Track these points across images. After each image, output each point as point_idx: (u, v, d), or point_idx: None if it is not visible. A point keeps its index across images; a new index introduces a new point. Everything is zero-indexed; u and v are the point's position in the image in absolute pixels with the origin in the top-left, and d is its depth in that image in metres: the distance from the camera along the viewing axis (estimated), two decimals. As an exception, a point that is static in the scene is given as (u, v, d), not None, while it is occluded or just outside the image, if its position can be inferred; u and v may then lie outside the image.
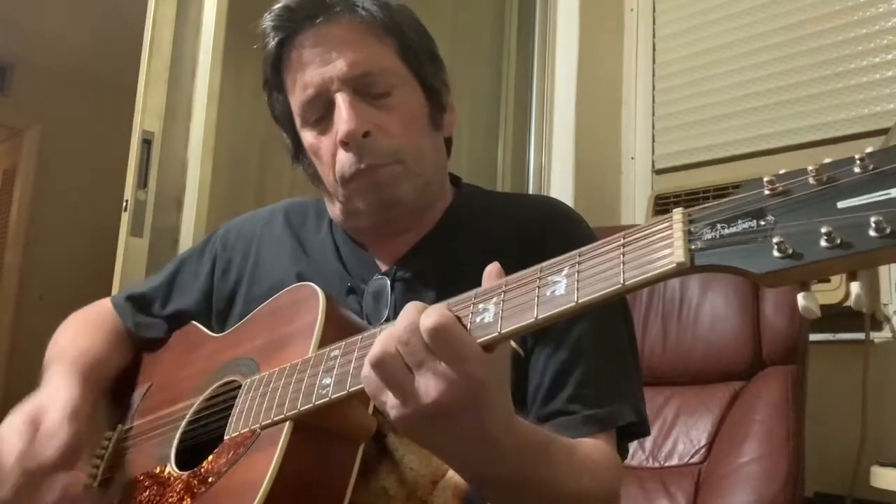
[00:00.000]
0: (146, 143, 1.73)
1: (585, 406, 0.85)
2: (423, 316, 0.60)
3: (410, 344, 0.60)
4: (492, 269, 0.64)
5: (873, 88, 2.00)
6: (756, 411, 1.41)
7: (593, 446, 0.82)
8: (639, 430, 0.89)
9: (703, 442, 1.46)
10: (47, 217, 4.36)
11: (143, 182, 1.72)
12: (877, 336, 1.85)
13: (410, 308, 0.62)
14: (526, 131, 2.45)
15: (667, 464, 1.48)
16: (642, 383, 0.93)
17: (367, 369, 0.63)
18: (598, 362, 0.88)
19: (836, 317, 1.81)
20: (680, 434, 1.50)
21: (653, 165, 2.43)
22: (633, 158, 2.46)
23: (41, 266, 4.29)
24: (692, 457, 1.46)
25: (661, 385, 1.54)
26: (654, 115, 2.45)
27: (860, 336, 1.80)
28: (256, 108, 1.91)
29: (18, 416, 0.88)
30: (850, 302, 0.49)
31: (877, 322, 1.86)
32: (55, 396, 0.91)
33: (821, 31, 2.10)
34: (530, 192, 2.37)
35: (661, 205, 2.23)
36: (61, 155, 4.40)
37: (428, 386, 0.60)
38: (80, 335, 1.06)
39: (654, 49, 2.49)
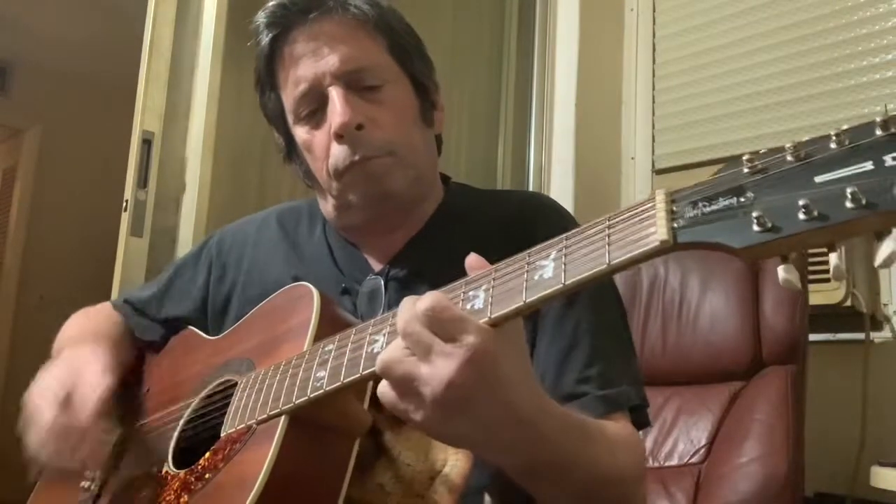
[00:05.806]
0: (146, 143, 1.73)
1: (595, 387, 0.84)
2: (418, 303, 0.61)
3: (413, 334, 0.60)
4: (472, 261, 0.66)
5: (873, 88, 2.00)
6: (756, 411, 1.41)
7: (620, 426, 0.82)
8: (641, 417, 0.89)
9: (703, 442, 1.46)
10: (47, 217, 4.36)
11: (143, 182, 1.72)
12: (877, 336, 1.85)
13: (405, 302, 0.63)
14: (526, 131, 2.45)
15: (667, 463, 1.48)
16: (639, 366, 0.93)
17: (383, 384, 0.63)
18: (600, 345, 0.88)
19: (836, 317, 1.81)
20: (680, 434, 1.50)
21: (653, 165, 2.43)
22: (633, 158, 2.46)
23: (41, 266, 4.29)
24: (692, 457, 1.46)
25: (661, 385, 1.54)
26: (654, 115, 2.45)
27: (860, 336, 1.80)
28: (256, 107, 1.90)
29: (52, 381, 0.89)
30: (830, 274, 0.50)
31: (877, 322, 1.86)
32: (86, 356, 0.92)
33: (821, 31, 2.10)
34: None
35: (661, 205, 2.23)
36: (61, 155, 4.40)
37: (437, 368, 0.59)
38: (89, 324, 1.08)
39: (654, 49, 2.49)
